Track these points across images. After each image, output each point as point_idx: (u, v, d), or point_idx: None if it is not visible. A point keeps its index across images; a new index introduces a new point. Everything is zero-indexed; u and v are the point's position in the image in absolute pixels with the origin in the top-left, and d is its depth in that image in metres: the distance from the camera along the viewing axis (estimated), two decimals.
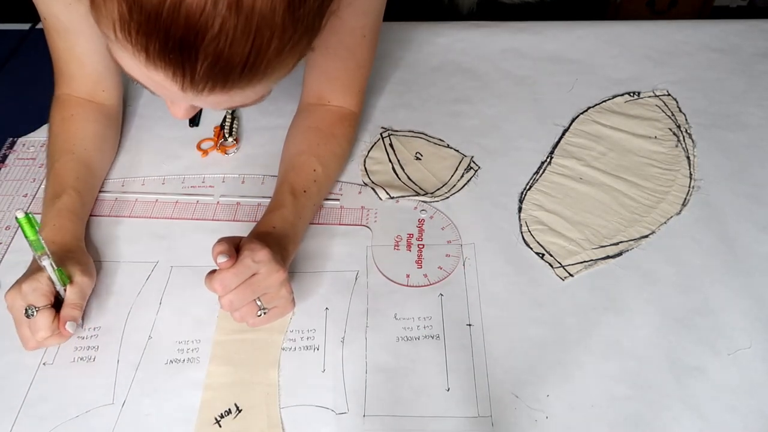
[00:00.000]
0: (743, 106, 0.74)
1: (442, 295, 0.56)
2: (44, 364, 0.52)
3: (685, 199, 0.64)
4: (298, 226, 0.58)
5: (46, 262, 0.49)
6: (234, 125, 0.72)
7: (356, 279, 0.58)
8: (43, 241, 0.48)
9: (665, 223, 0.62)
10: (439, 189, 0.65)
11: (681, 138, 0.70)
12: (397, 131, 0.71)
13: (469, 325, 0.54)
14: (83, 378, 0.51)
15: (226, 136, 0.71)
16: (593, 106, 0.75)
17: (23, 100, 0.67)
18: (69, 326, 0.50)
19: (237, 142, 0.70)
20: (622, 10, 1.78)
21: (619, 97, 0.76)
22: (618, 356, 0.52)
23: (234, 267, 0.48)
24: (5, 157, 0.69)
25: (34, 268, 0.52)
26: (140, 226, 0.62)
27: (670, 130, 0.71)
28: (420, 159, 0.68)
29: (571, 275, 0.58)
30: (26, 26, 0.88)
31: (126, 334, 0.54)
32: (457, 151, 0.69)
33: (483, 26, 0.86)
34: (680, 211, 0.63)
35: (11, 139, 0.71)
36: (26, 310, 0.49)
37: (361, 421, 0.48)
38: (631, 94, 0.76)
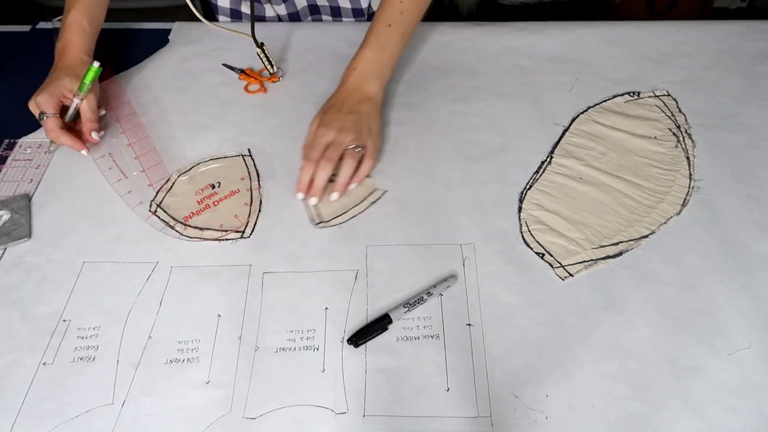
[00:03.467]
0: (743, 106, 0.74)
1: (441, 295, 0.56)
2: (44, 364, 0.52)
3: (685, 199, 0.64)
4: (383, 60, 0.70)
5: (76, 101, 0.67)
6: (270, 60, 0.76)
7: (356, 279, 0.58)
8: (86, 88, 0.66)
9: (665, 223, 0.62)
10: (336, 217, 0.63)
11: (681, 138, 0.70)
12: None
13: (469, 325, 0.54)
14: (83, 378, 0.51)
15: (269, 69, 0.76)
16: (593, 106, 0.75)
17: (21, 101, 0.67)
18: (93, 134, 0.67)
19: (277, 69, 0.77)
20: (622, 10, 1.79)
21: (619, 97, 0.76)
22: (618, 356, 0.52)
23: (308, 147, 0.65)
24: (3, 158, 0.69)
25: (49, 83, 0.67)
26: (141, 225, 0.62)
27: (670, 130, 0.71)
28: (332, 181, 0.64)
29: (571, 275, 0.58)
30: (26, 28, 0.87)
31: (126, 334, 0.54)
32: (370, 177, 0.67)
33: (483, 26, 0.87)
34: (680, 211, 0.63)
35: (8, 140, 0.71)
36: (40, 114, 0.65)
37: (361, 421, 0.48)
38: (631, 94, 0.76)
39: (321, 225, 0.62)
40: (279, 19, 0.93)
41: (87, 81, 0.66)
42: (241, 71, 0.78)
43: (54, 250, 0.60)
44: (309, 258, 0.59)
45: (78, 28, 0.71)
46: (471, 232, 0.61)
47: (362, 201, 0.65)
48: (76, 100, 0.67)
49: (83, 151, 0.68)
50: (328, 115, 0.67)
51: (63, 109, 0.68)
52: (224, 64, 0.76)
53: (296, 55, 0.83)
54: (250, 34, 0.74)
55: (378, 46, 0.70)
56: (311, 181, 0.63)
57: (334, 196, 0.63)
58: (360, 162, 0.65)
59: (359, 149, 0.65)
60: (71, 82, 0.67)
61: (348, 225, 0.62)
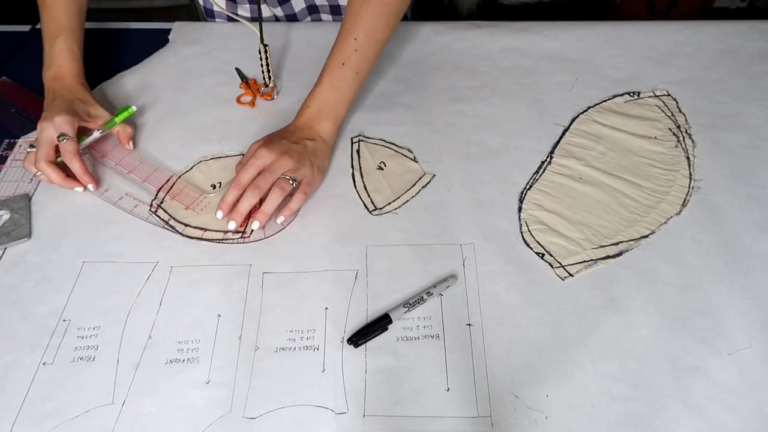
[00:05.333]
0: (743, 106, 0.75)
1: (441, 295, 0.56)
2: (44, 364, 0.52)
3: (685, 199, 0.64)
4: (337, 98, 0.67)
5: (96, 133, 0.67)
6: (270, 69, 0.75)
7: (356, 279, 0.58)
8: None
9: (665, 223, 0.62)
10: (389, 203, 0.64)
11: (681, 138, 0.70)
12: (367, 138, 0.71)
13: (469, 325, 0.54)
14: (83, 378, 0.51)
15: (267, 82, 0.75)
16: (593, 106, 0.75)
17: None
18: (130, 144, 0.69)
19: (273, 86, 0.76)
20: (622, 10, 1.79)
21: (619, 97, 0.76)
22: (618, 356, 0.52)
23: (242, 167, 0.62)
24: (3, 158, 0.69)
25: (63, 106, 0.65)
26: (141, 225, 0.62)
27: (670, 130, 0.71)
28: (382, 169, 0.67)
29: (571, 275, 0.58)
30: (26, 28, 0.87)
31: (126, 334, 0.54)
32: (418, 163, 0.68)
33: (483, 26, 0.87)
34: (680, 211, 0.63)
35: (8, 140, 0.71)
36: (59, 136, 0.63)
37: (361, 421, 0.48)
38: (631, 94, 0.76)
39: (376, 212, 0.63)
40: (276, 19, 0.93)
41: (117, 120, 0.68)
42: (245, 81, 0.77)
43: (54, 250, 0.60)
44: (309, 258, 0.59)
45: (71, 56, 0.70)
46: (471, 232, 0.61)
47: (413, 186, 0.65)
48: (96, 133, 0.67)
49: (78, 189, 0.64)
50: (273, 139, 0.64)
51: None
52: (237, 69, 0.75)
53: (294, 58, 0.83)
54: (258, 31, 0.72)
55: (332, 85, 0.67)
56: (235, 204, 0.60)
57: (255, 225, 0.60)
58: (291, 194, 0.62)
59: (292, 181, 0.61)
60: (86, 106, 0.67)
61: (349, 224, 0.62)
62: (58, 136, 0.63)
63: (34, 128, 0.67)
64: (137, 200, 0.65)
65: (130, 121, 0.72)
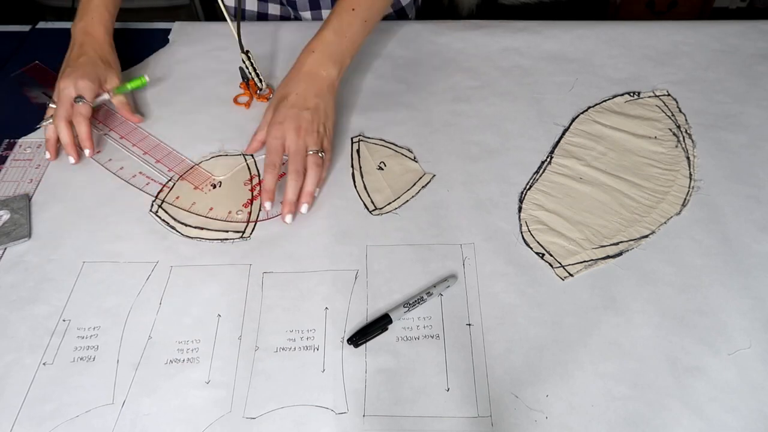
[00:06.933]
0: (743, 106, 0.75)
1: (441, 295, 0.56)
2: (44, 364, 0.52)
3: (685, 199, 0.64)
4: (343, 44, 0.66)
5: (105, 96, 0.70)
6: (258, 73, 0.74)
7: (356, 279, 0.58)
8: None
9: (665, 223, 0.62)
10: (389, 203, 0.64)
11: (681, 138, 0.70)
12: (367, 138, 0.71)
13: (469, 324, 0.54)
14: (83, 378, 0.51)
15: (258, 85, 0.75)
16: (593, 106, 0.75)
17: (22, 101, 0.66)
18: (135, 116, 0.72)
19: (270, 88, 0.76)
20: (622, 10, 1.79)
21: (619, 97, 0.76)
22: (618, 356, 0.52)
23: (267, 159, 0.62)
24: (3, 158, 0.69)
25: (85, 67, 0.67)
26: (141, 225, 0.62)
27: (670, 130, 0.71)
28: (382, 169, 0.67)
29: (571, 275, 0.58)
30: (26, 28, 0.88)
31: (126, 334, 0.54)
32: (418, 163, 0.68)
33: (483, 26, 0.87)
34: (680, 211, 0.63)
35: (8, 140, 0.71)
36: (76, 98, 0.66)
37: (361, 421, 0.48)
38: (631, 94, 0.76)
39: (376, 212, 0.63)
40: (281, 3, 0.92)
41: (129, 87, 0.70)
42: (246, 81, 0.76)
43: (54, 250, 0.60)
44: (309, 258, 0.59)
45: (106, 13, 0.71)
46: (471, 232, 0.61)
47: (413, 186, 0.65)
48: (105, 96, 0.69)
49: (71, 159, 0.67)
50: (281, 111, 0.64)
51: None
52: (240, 68, 0.75)
53: (293, 58, 0.82)
54: (236, 35, 0.72)
55: (340, 29, 0.66)
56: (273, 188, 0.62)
57: (305, 208, 0.62)
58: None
59: (321, 153, 0.63)
60: (106, 71, 0.69)
61: (349, 224, 0.62)
62: (76, 98, 0.66)
63: None
64: (149, 179, 0.66)
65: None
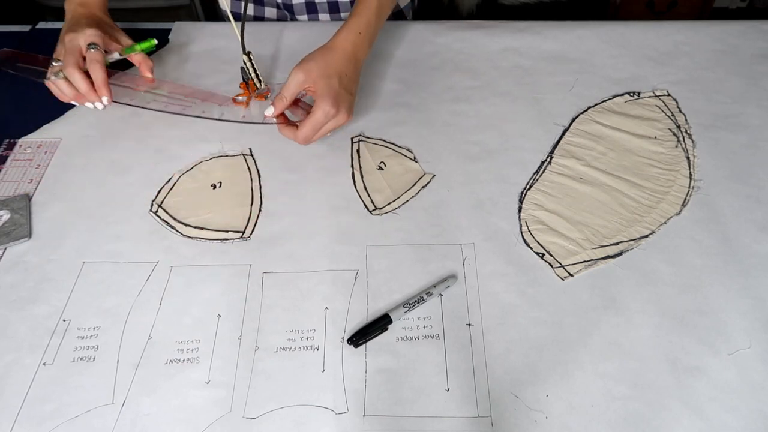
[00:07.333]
0: (743, 106, 0.75)
1: (441, 295, 0.56)
2: (44, 364, 0.52)
3: (685, 199, 0.64)
4: (378, 28, 0.71)
5: (116, 55, 0.70)
6: (258, 73, 0.75)
7: (356, 279, 0.58)
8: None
9: (665, 223, 0.62)
10: (389, 203, 0.64)
11: (681, 138, 0.70)
12: (367, 138, 0.71)
13: (469, 324, 0.54)
14: (83, 378, 0.51)
15: (258, 85, 0.75)
16: (593, 106, 0.75)
17: (21, 101, 0.66)
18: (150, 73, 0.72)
19: (268, 88, 0.77)
20: (622, 10, 1.79)
21: (619, 97, 0.76)
22: (618, 356, 0.52)
23: (309, 123, 0.64)
24: (3, 158, 0.69)
25: (93, 24, 0.67)
26: (141, 225, 0.62)
27: (670, 130, 0.71)
28: (382, 169, 0.67)
29: (571, 275, 0.58)
30: (26, 28, 0.88)
31: (126, 334, 0.54)
32: (418, 163, 0.68)
33: (483, 26, 0.87)
34: (680, 211, 0.63)
35: (8, 140, 0.71)
36: (89, 45, 0.65)
37: (361, 421, 0.48)
38: (631, 94, 0.76)
39: (376, 212, 0.63)
40: (278, 7, 0.93)
41: (138, 48, 0.71)
42: (246, 81, 0.76)
43: (54, 250, 0.60)
44: (309, 258, 0.59)
45: None
46: (471, 232, 0.61)
47: (413, 186, 0.65)
48: (116, 55, 0.70)
49: (98, 105, 0.68)
50: (338, 92, 0.65)
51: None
52: (242, 68, 0.75)
53: (292, 58, 0.82)
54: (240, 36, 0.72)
55: (379, 13, 0.70)
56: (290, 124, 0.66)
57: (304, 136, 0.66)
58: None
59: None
60: (113, 29, 0.70)
61: (349, 224, 0.62)
62: (89, 44, 0.65)
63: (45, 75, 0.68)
64: (205, 111, 0.70)
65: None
